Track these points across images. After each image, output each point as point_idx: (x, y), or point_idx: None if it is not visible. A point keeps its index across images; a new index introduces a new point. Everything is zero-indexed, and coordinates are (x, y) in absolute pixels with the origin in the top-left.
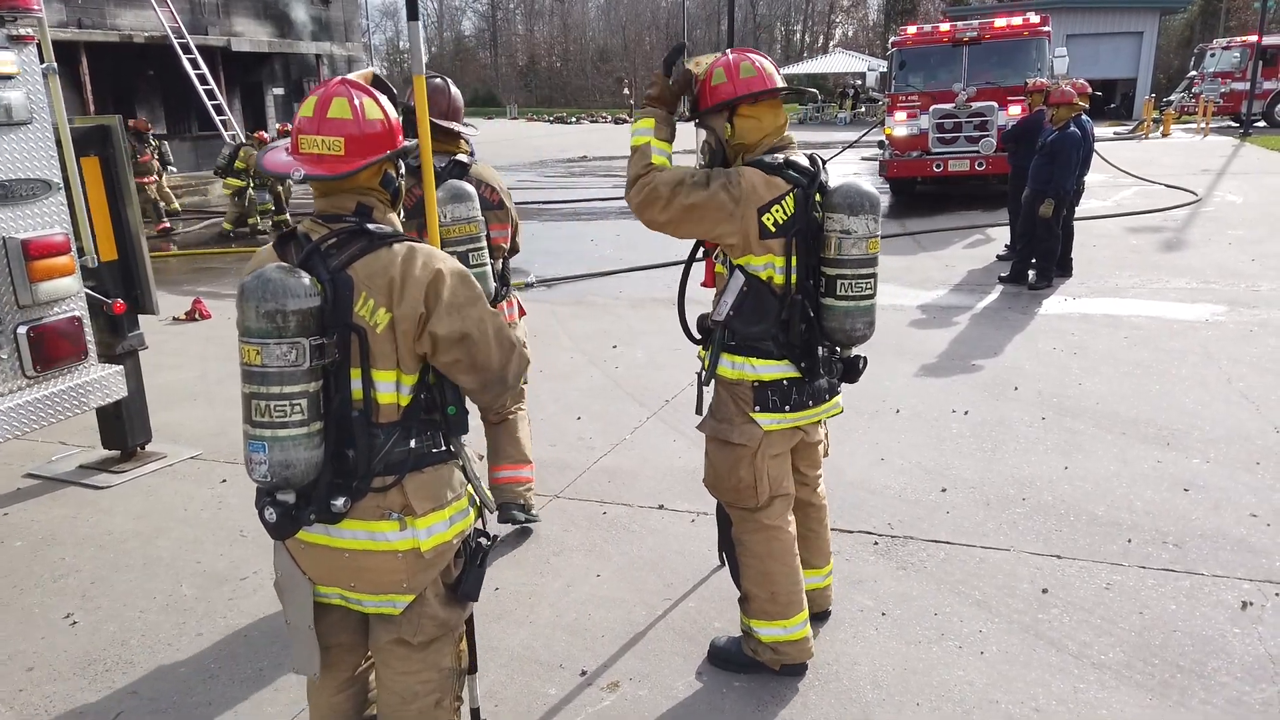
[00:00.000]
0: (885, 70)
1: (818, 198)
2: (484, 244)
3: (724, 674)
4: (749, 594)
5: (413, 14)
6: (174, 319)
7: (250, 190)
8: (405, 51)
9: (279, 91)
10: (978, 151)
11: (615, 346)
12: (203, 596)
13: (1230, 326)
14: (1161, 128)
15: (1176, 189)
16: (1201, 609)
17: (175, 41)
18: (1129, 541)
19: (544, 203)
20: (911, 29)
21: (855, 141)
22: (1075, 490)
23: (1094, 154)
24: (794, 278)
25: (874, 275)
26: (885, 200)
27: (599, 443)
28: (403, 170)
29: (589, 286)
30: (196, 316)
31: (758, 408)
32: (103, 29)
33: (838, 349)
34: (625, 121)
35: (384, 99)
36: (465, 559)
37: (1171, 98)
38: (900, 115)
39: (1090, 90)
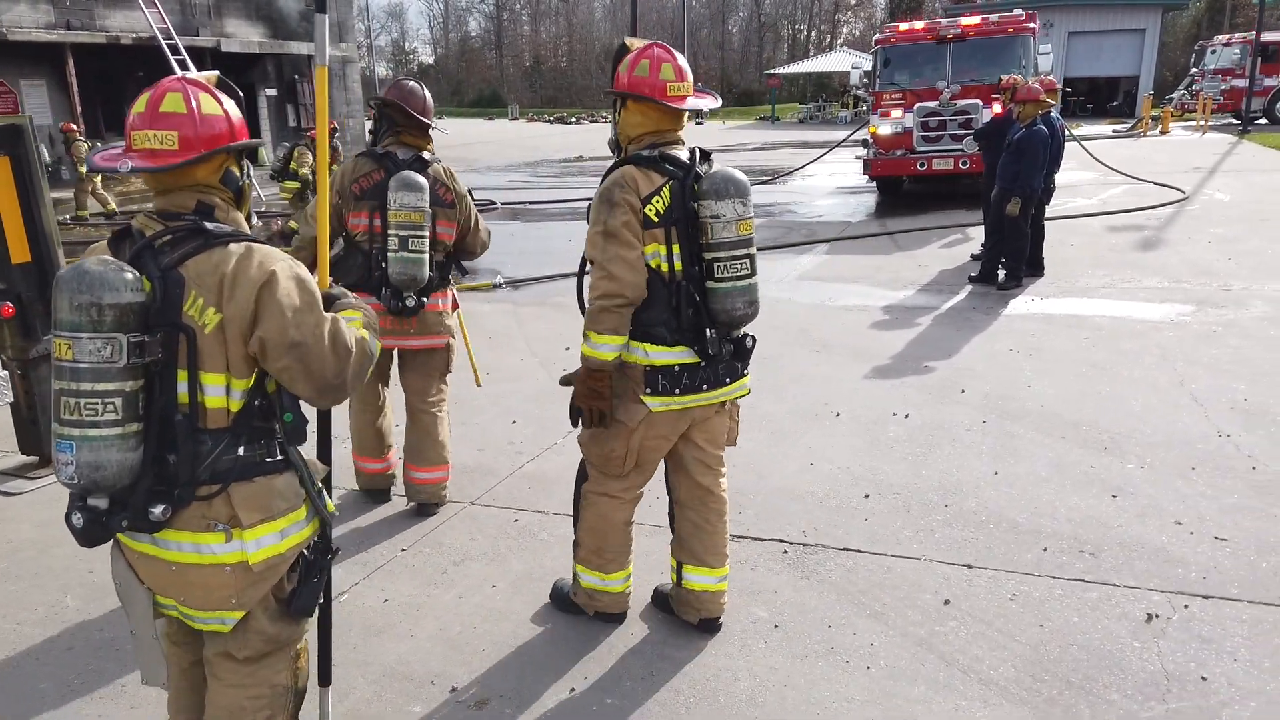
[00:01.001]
0: (870, 68)
1: (696, 188)
2: (425, 233)
3: (597, 691)
4: (580, 541)
5: (320, 7)
6: None
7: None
8: (410, 52)
9: (271, 93)
10: (962, 150)
11: (568, 349)
12: (84, 609)
13: (1194, 327)
14: (1160, 125)
15: (1165, 186)
16: (1104, 622)
17: (164, 43)
18: (1044, 550)
19: (529, 203)
20: (902, 25)
21: (842, 141)
22: (1000, 496)
23: (1069, 151)
24: (679, 265)
25: (749, 256)
26: (870, 200)
27: (528, 448)
28: (250, 171)
29: (556, 287)
30: None
31: (648, 390)
32: (91, 30)
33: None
34: None
35: (225, 97)
36: (300, 573)
37: (1173, 95)
38: (884, 113)
39: (1059, 87)
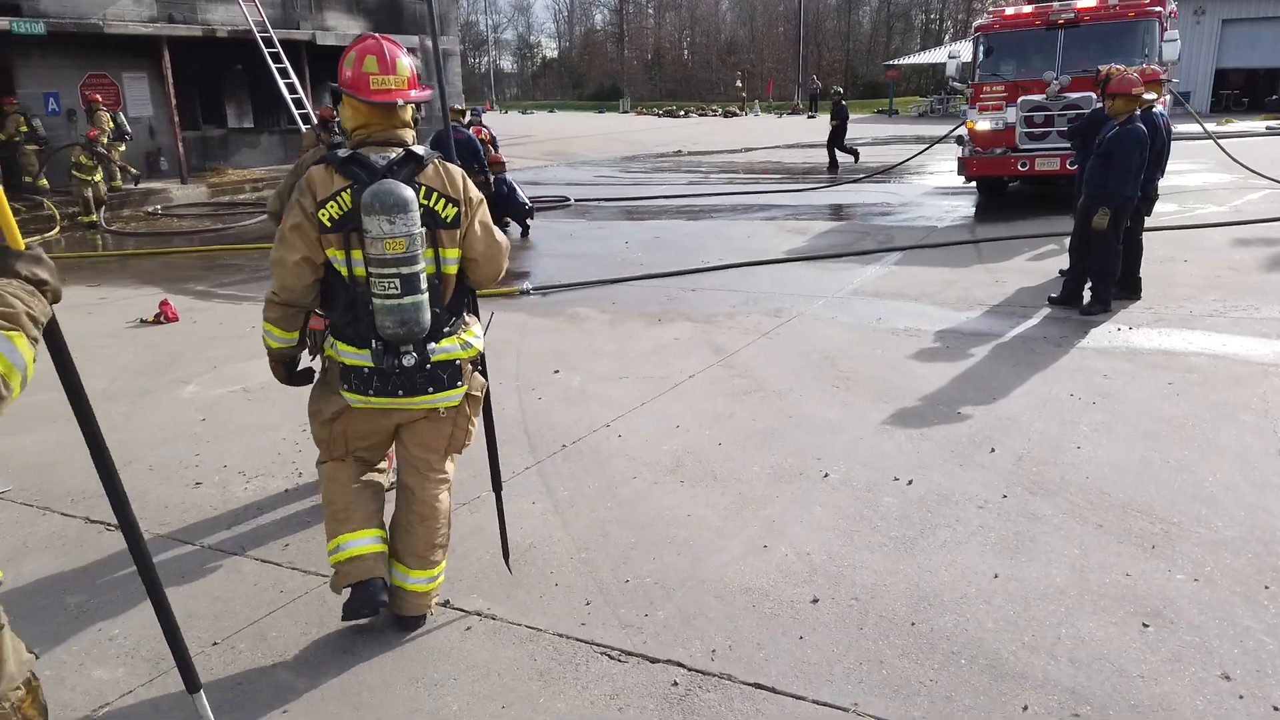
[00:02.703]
0: (968, 58)
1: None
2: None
3: None
4: (326, 515)
5: None
6: (141, 321)
7: None
8: (535, 45)
9: None
10: (1069, 149)
11: (557, 371)
12: None
13: None
14: None
15: None
16: None
17: (259, 36)
18: (1023, 710)
19: (602, 200)
20: (1008, 9)
21: (943, 138)
22: (989, 614)
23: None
24: (358, 271)
25: (396, 276)
26: (968, 203)
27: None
28: None
29: (588, 295)
30: (161, 319)
31: (345, 385)
32: (190, 24)
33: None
34: (734, 115)
35: None
36: None
37: None
38: (983, 107)
39: (1162, 77)
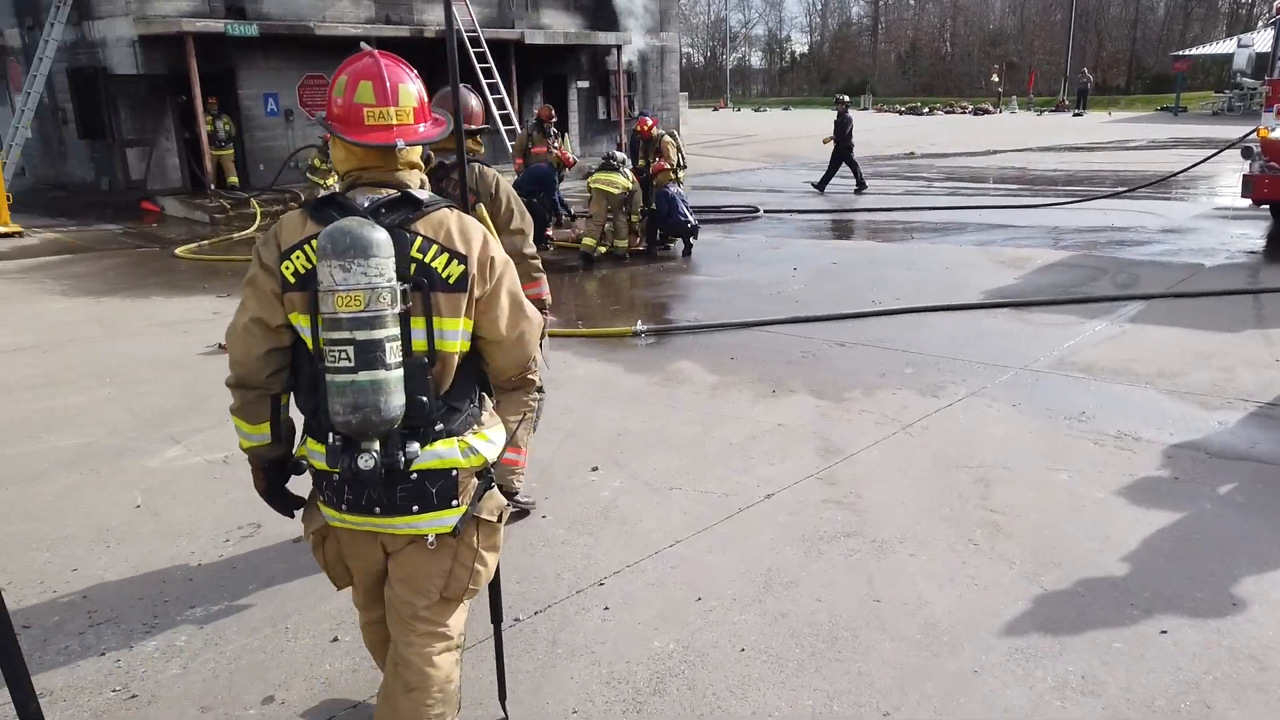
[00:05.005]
0: (1266, 47)
1: None
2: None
3: None
4: None
5: None
6: (220, 347)
7: None
8: (785, 40)
9: (583, 85)
10: None
11: (596, 469)
12: None
13: None
14: None
15: None
16: None
17: (466, 35)
18: None
19: (795, 212)
20: None
21: (1232, 144)
22: None
23: None
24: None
25: (349, 343)
26: (1258, 231)
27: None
28: None
29: (704, 342)
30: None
31: (320, 496)
32: (403, 25)
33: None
34: (985, 112)
35: None
36: None
37: None
38: None
39: None
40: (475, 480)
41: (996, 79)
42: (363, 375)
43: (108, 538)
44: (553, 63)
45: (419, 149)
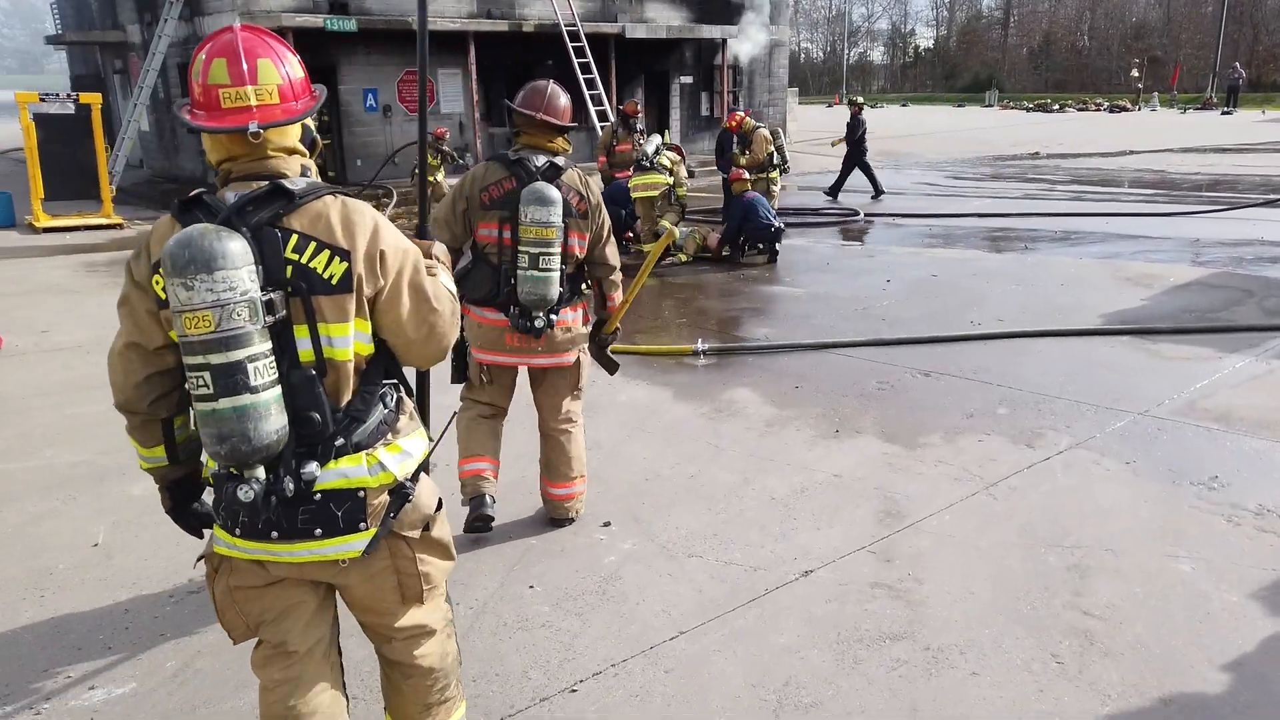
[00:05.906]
0: None
1: None
2: (557, 249)
3: None
4: None
5: None
6: None
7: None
8: (909, 34)
9: (686, 80)
10: None
11: (608, 524)
12: None
13: None
14: None
15: None
16: None
17: (565, 29)
18: None
19: (899, 215)
20: None
21: None
22: None
23: None
24: None
25: (205, 368)
26: None
27: None
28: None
29: (768, 364)
30: None
31: (217, 520)
32: (501, 19)
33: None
34: (1122, 110)
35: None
36: None
37: None
38: None
39: None
40: (387, 497)
41: (1136, 74)
42: (224, 403)
43: (46, 585)
44: (655, 57)
45: (295, 129)
